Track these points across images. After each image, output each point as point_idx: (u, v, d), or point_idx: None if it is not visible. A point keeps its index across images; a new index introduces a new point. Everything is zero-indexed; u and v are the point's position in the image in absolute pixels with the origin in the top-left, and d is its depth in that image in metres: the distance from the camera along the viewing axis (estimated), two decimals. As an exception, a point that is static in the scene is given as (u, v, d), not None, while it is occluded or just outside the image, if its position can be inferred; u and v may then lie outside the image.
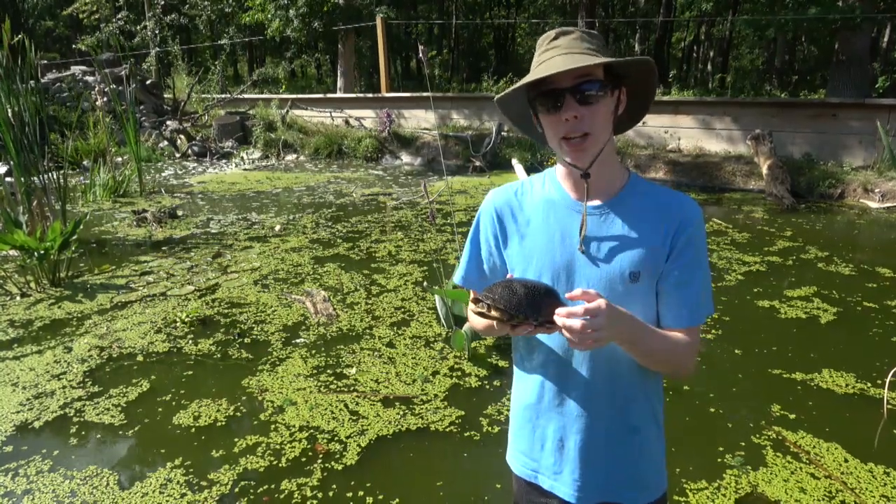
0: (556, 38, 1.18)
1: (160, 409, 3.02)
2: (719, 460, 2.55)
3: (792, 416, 2.86)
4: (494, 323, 1.13)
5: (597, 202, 1.23)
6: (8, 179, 6.73)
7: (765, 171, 7.61)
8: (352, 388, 3.17)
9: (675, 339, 1.20)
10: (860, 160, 7.91)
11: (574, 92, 1.13)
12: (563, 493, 1.31)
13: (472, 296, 1.23)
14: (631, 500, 1.30)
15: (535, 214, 1.28)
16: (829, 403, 2.99)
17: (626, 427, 1.26)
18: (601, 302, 1.04)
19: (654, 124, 9.40)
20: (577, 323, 1.02)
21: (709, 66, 23.64)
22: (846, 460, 2.54)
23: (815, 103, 8.99)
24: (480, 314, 1.15)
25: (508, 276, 1.27)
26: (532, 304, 1.10)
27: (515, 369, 1.39)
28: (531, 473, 1.35)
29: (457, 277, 1.41)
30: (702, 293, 1.21)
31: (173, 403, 3.07)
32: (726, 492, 2.36)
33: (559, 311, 1.06)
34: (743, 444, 2.66)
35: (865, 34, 9.96)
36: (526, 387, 1.34)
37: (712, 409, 2.96)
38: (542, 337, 1.27)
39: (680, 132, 9.21)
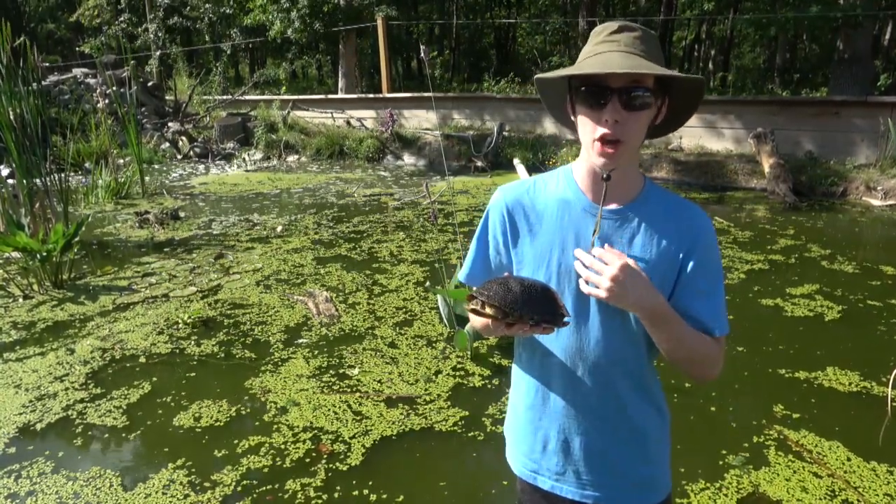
0: (618, 31, 1.14)
1: (162, 411, 3.02)
2: (721, 462, 2.55)
3: (795, 415, 2.86)
4: (490, 321, 1.11)
5: (613, 206, 1.21)
6: (10, 181, 6.75)
7: (767, 169, 7.60)
8: (355, 389, 3.17)
9: (702, 335, 1.19)
10: (863, 158, 7.88)
11: (622, 95, 1.09)
12: (566, 494, 1.30)
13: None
14: (636, 502, 1.30)
15: (547, 214, 1.25)
16: (833, 402, 2.99)
17: (630, 429, 1.26)
18: (625, 259, 1.12)
19: (656, 123, 9.38)
20: (587, 263, 1.15)
21: (710, 65, 23.58)
22: (849, 459, 2.53)
23: (817, 101, 8.97)
24: (474, 311, 1.12)
25: (506, 274, 1.24)
26: (528, 302, 1.06)
27: (516, 368, 1.37)
28: (531, 475, 1.34)
29: (462, 275, 1.39)
30: (724, 304, 1.21)
31: (175, 405, 3.07)
32: (728, 492, 2.35)
33: (578, 251, 1.17)
34: (745, 444, 2.66)
35: (867, 32, 9.95)
36: (528, 387, 1.32)
37: (714, 408, 2.96)
38: (544, 338, 1.25)
39: (682, 131, 9.19)
